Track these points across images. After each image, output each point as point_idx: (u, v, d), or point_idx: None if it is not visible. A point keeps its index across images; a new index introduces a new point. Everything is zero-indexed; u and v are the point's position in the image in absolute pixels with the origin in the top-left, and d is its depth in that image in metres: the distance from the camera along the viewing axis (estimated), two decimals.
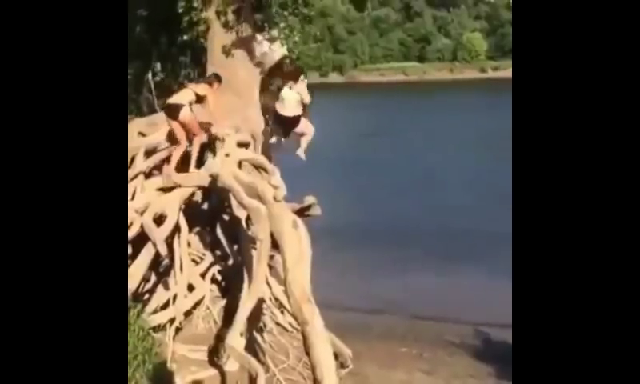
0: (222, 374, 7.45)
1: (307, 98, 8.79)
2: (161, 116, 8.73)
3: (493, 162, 31.53)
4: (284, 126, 8.94)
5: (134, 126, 8.83)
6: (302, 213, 8.23)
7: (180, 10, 8.82)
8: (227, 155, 7.86)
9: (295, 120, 8.80)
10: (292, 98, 8.71)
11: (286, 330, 8.97)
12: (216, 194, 8.73)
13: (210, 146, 8.66)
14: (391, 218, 22.36)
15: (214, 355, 7.79)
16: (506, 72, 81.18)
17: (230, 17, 8.81)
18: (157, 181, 8.41)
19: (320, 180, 23.11)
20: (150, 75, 10.41)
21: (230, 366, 7.29)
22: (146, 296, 8.44)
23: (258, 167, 8.35)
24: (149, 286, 8.65)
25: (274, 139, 9.06)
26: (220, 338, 7.77)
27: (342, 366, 8.58)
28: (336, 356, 7.18)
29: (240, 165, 8.04)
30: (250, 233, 7.98)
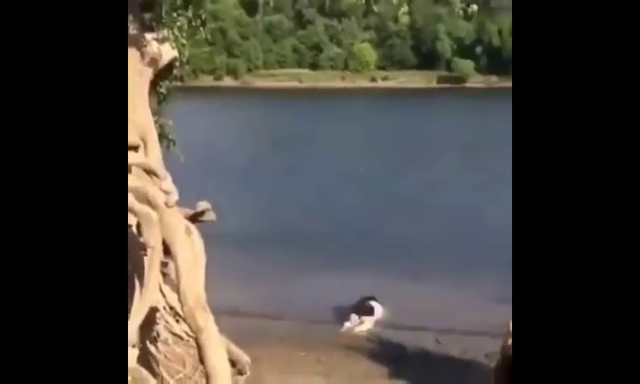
0: None
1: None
2: None
3: (385, 168, 32.62)
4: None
5: None
6: (195, 218, 8.04)
7: None
8: None
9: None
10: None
11: (182, 338, 8.70)
12: None
13: None
14: (287, 222, 22.43)
15: None
16: (395, 82, 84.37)
17: None
18: None
19: (214, 184, 22.84)
20: None
21: None
22: None
23: (149, 172, 8.05)
24: None
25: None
26: None
27: (240, 373, 8.46)
28: (234, 363, 7.05)
29: (129, 168, 7.71)
30: (140, 239, 7.68)
